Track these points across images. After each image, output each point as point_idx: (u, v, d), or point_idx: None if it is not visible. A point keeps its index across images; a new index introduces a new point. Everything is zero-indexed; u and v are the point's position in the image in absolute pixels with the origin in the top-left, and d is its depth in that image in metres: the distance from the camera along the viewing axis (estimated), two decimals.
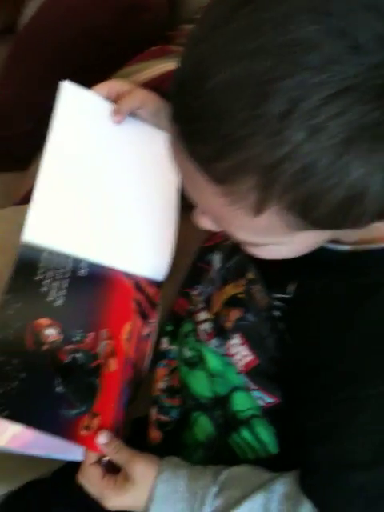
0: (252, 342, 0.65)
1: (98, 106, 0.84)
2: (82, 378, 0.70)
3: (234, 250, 0.70)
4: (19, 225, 0.77)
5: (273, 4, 0.37)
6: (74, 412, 0.67)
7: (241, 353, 0.66)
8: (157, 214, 0.85)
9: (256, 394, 0.65)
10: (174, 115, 0.43)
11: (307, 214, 0.41)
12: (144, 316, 0.79)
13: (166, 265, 0.83)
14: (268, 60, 0.36)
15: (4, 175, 1.43)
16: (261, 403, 0.66)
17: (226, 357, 0.68)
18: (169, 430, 0.77)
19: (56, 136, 0.79)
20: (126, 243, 0.82)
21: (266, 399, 0.65)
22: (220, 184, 0.41)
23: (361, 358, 0.55)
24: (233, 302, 0.68)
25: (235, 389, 0.68)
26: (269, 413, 0.66)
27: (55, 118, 0.79)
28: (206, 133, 0.39)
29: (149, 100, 0.84)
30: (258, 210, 0.41)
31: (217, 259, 0.74)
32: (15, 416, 0.63)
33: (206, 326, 0.72)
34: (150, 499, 0.64)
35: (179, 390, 0.77)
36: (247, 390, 0.66)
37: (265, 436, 0.68)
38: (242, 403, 0.68)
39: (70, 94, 0.82)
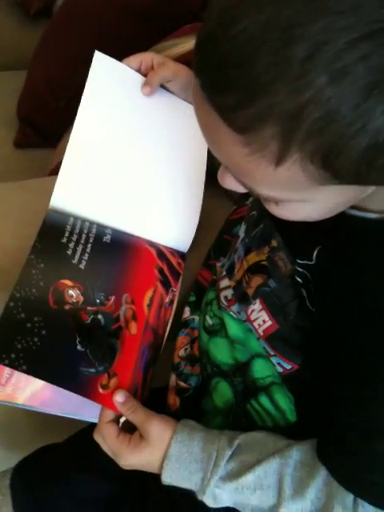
0: (272, 307, 0.64)
1: (129, 77, 0.85)
2: (102, 339, 0.71)
3: (258, 219, 0.69)
4: (48, 194, 0.79)
5: None
6: (92, 370, 0.68)
7: (261, 318, 0.65)
8: (184, 187, 0.85)
9: (274, 359, 0.65)
10: (197, 66, 0.43)
11: (330, 164, 0.40)
12: (166, 284, 0.80)
13: (190, 237, 0.84)
14: (293, 5, 0.36)
15: (35, 151, 1.46)
16: (279, 369, 0.65)
17: (247, 323, 0.68)
18: (187, 397, 0.78)
19: (86, 105, 0.80)
20: (151, 213, 0.83)
21: (284, 365, 0.65)
22: (242, 133, 0.41)
23: (379, 331, 0.53)
24: (255, 268, 0.67)
25: (255, 356, 0.68)
26: (287, 380, 0.66)
27: (86, 87, 0.80)
28: (229, 80, 0.39)
29: (180, 73, 0.84)
30: (280, 159, 0.41)
31: (242, 230, 0.74)
32: (33, 371, 0.64)
33: (228, 293, 0.72)
34: (165, 458, 0.64)
35: (199, 358, 0.78)
36: (266, 356, 0.66)
37: (283, 403, 0.68)
38: (261, 370, 0.68)
39: (102, 63, 0.83)
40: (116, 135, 0.82)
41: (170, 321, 0.79)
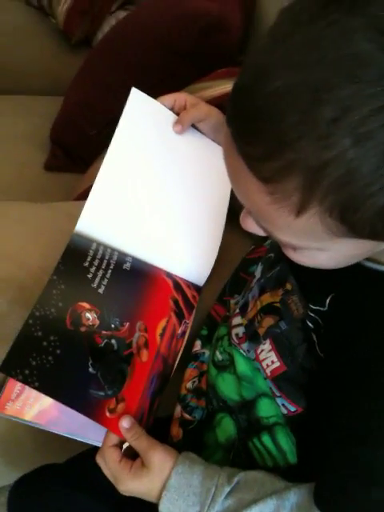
0: (281, 349, 0.66)
1: (162, 114, 0.89)
2: (113, 363, 0.72)
3: (275, 262, 0.72)
4: (74, 217, 0.81)
5: (335, 19, 0.40)
6: (101, 393, 0.70)
7: (269, 359, 0.67)
8: (205, 223, 0.88)
9: (279, 401, 0.67)
10: (230, 116, 0.46)
11: (347, 219, 0.43)
12: (180, 315, 0.82)
13: (207, 271, 0.86)
14: (325, 71, 0.39)
15: (64, 175, 1.50)
16: (284, 411, 0.67)
17: (255, 362, 0.69)
18: (191, 429, 0.79)
19: (120, 137, 0.83)
20: (172, 245, 0.85)
21: (288, 407, 0.66)
22: (266, 183, 0.43)
23: None
24: (268, 309, 0.69)
25: (261, 395, 0.69)
26: (291, 422, 0.67)
27: (121, 120, 0.84)
28: (258, 133, 0.42)
29: (212, 114, 0.88)
30: (300, 210, 0.43)
31: (258, 270, 0.76)
32: (44, 388, 0.66)
33: (239, 331, 0.74)
34: (164, 488, 0.65)
35: (206, 392, 0.79)
36: (272, 396, 0.67)
37: (285, 444, 0.69)
38: (266, 409, 0.69)
39: (137, 99, 0.87)
40: (145, 168, 0.85)
41: (181, 352, 0.81)
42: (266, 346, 0.68)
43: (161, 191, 0.86)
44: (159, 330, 0.78)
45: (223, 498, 0.63)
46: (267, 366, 0.67)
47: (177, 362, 0.80)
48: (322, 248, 0.49)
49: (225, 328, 0.78)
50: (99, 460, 0.70)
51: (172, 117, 0.89)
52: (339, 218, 0.43)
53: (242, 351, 0.73)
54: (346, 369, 0.58)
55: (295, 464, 0.69)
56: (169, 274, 0.84)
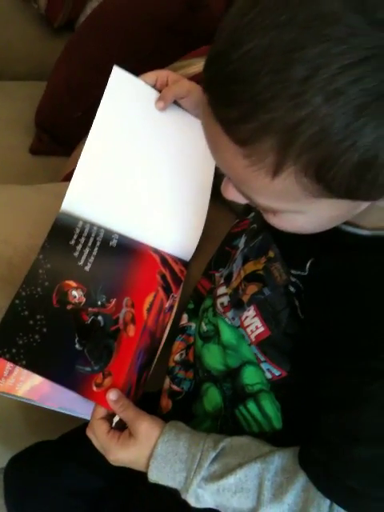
0: (265, 314, 0.67)
1: (144, 92, 0.89)
2: (100, 339, 0.74)
3: (258, 232, 0.73)
4: (60, 197, 0.82)
5: None
6: (88, 369, 0.72)
7: (254, 324, 0.68)
8: (190, 198, 0.89)
9: (264, 366, 0.68)
10: (206, 83, 0.47)
11: (322, 177, 0.44)
12: (167, 290, 0.83)
13: (193, 246, 0.88)
14: (293, 32, 0.40)
15: (49, 158, 1.51)
16: (268, 376, 0.68)
17: (240, 329, 0.71)
18: (179, 400, 0.80)
19: (102, 115, 0.84)
20: (158, 222, 0.86)
21: (273, 371, 0.67)
22: (243, 146, 0.44)
23: (374, 333, 0.56)
24: (252, 277, 0.71)
25: (246, 363, 0.71)
26: (276, 387, 0.68)
27: (103, 98, 0.84)
28: (233, 96, 0.43)
29: (193, 91, 0.88)
30: (276, 171, 0.44)
31: (242, 241, 0.77)
32: (31, 366, 0.68)
33: (224, 300, 0.75)
34: (151, 456, 0.67)
35: (193, 364, 0.81)
36: (257, 363, 0.69)
37: (270, 410, 0.70)
38: (251, 377, 0.70)
39: (119, 77, 0.87)
40: (128, 146, 0.86)
41: (169, 325, 0.82)
42: (250, 312, 0.69)
43: (145, 168, 0.87)
44: (146, 305, 0.80)
45: (209, 463, 0.65)
46: (252, 331, 0.69)
47: (165, 336, 0.81)
48: (301, 210, 0.50)
49: (210, 300, 0.80)
50: (89, 433, 0.72)
51: (154, 94, 0.89)
52: (315, 177, 0.44)
53: (226, 320, 0.74)
54: (326, 331, 0.60)
55: (280, 429, 0.70)
56: (156, 250, 0.85)
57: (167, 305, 0.82)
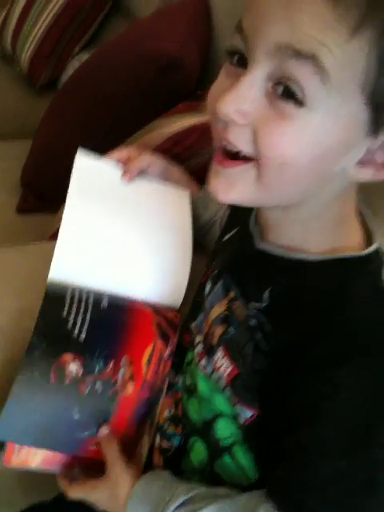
0: (231, 352, 0.69)
1: (110, 168, 0.95)
2: (98, 405, 0.76)
3: (219, 276, 0.75)
4: (47, 257, 0.84)
5: None
6: (86, 433, 0.75)
7: (224, 365, 0.69)
8: (172, 252, 0.91)
9: (237, 409, 0.68)
10: None
11: None
12: (165, 337, 0.83)
13: (181, 293, 0.88)
14: None
15: (36, 216, 1.53)
16: (241, 420, 0.68)
17: (212, 380, 0.72)
18: (169, 456, 0.81)
19: (73, 193, 0.87)
20: (142, 275, 0.88)
21: (246, 413, 0.67)
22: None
23: (324, 347, 0.58)
24: (217, 320, 0.72)
25: (218, 415, 0.71)
26: (248, 435, 0.68)
27: (72, 179, 0.89)
28: None
29: (155, 161, 0.95)
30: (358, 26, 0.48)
31: (207, 288, 0.79)
32: (36, 444, 0.74)
33: (199, 348, 0.77)
34: (128, 496, 0.70)
35: (181, 418, 0.81)
36: (229, 411, 0.69)
37: (244, 462, 0.70)
38: (223, 430, 0.71)
39: (84, 158, 0.94)
40: (105, 213, 0.89)
41: (168, 371, 0.82)
42: (220, 353, 0.70)
43: (125, 231, 0.89)
44: (145, 359, 0.80)
45: (175, 507, 0.65)
46: (224, 372, 0.69)
47: (166, 384, 0.82)
48: (321, 107, 0.51)
49: (191, 353, 0.81)
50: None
51: (119, 169, 0.94)
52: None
53: (200, 370, 0.75)
54: (287, 355, 0.61)
55: (256, 479, 0.70)
56: (145, 302, 0.86)
57: (167, 352, 0.82)
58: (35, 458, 0.75)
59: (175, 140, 0.97)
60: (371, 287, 0.60)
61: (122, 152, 0.96)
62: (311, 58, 0.49)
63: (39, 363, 0.74)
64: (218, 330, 0.72)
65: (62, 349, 0.76)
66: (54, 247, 0.83)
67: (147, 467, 0.79)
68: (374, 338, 0.58)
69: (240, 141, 0.56)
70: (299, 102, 0.51)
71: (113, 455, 0.74)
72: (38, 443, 0.73)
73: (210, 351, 0.73)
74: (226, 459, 0.72)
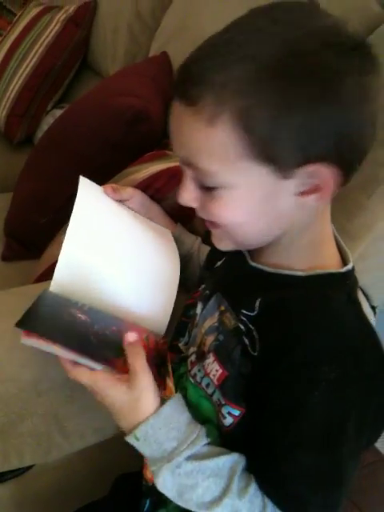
0: (221, 357, 0.75)
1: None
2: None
3: (210, 295, 0.83)
4: (32, 299, 0.91)
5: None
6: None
7: (214, 369, 0.76)
8: (160, 280, 0.95)
9: (225, 410, 0.74)
10: (174, 90, 0.66)
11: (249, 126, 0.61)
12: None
13: (165, 322, 0.91)
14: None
15: (21, 263, 1.62)
16: (229, 421, 0.74)
17: (203, 387, 0.78)
18: None
19: (77, 214, 0.89)
20: (129, 307, 0.90)
21: (233, 412, 0.74)
22: (192, 105, 0.62)
23: (307, 348, 0.65)
24: (209, 331, 0.80)
25: (204, 422, 0.77)
26: (233, 437, 0.75)
27: (76, 202, 0.90)
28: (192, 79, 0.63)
29: (136, 194, 1.02)
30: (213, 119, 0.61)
31: (198, 307, 0.87)
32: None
33: (192, 358, 0.84)
34: (155, 413, 0.71)
35: None
36: (214, 422, 0.76)
37: None
38: (207, 435, 0.75)
39: (86, 184, 0.97)
40: (101, 243, 0.91)
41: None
42: (210, 358, 0.77)
43: (118, 260, 0.92)
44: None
45: (201, 445, 0.71)
46: (214, 376, 0.76)
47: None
48: (234, 183, 0.65)
49: (184, 366, 0.86)
50: (77, 370, 0.76)
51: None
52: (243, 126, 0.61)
53: (190, 379, 0.81)
54: (273, 360, 0.68)
55: None
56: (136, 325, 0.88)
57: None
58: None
59: (146, 184, 1.06)
60: (348, 299, 0.70)
61: (107, 187, 1.00)
62: (195, 173, 0.68)
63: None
64: (210, 339, 0.79)
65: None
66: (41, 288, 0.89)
67: (138, 487, 0.85)
68: (349, 343, 0.66)
69: (204, 216, 0.73)
70: (218, 187, 0.67)
71: (140, 363, 0.73)
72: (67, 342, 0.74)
73: (201, 357, 0.81)
74: None
